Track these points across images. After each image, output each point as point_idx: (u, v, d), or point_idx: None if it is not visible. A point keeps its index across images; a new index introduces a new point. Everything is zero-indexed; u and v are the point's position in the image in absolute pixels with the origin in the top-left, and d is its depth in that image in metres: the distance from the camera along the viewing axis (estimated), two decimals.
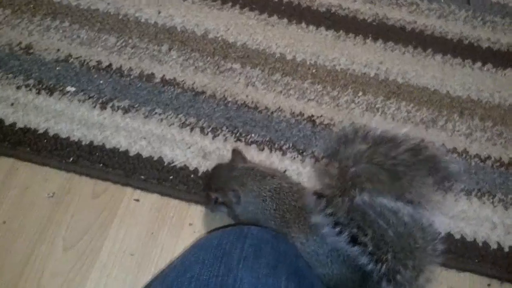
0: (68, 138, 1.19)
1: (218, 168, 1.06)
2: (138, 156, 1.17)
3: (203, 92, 1.28)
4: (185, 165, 1.16)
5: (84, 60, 1.32)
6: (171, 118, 1.23)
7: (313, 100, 1.28)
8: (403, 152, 0.81)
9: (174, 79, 1.30)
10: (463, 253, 1.06)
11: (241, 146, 1.19)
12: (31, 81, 1.28)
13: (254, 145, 1.20)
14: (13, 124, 1.20)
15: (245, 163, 1.05)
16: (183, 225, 1.09)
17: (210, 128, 1.22)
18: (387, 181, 0.79)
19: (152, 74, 1.31)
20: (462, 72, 1.34)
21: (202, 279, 0.69)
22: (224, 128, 1.22)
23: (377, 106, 1.27)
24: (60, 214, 1.09)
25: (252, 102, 1.27)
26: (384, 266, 0.83)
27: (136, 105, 1.25)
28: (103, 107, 1.24)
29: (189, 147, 1.19)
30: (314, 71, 1.33)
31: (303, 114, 1.26)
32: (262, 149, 1.20)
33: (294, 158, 1.19)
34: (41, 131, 1.19)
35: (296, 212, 0.92)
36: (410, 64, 1.35)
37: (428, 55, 1.37)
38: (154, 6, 1.44)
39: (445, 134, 1.24)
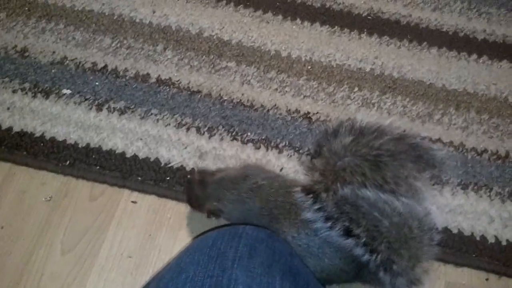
0: (64, 141, 1.19)
1: (189, 189, 1.05)
2: (135, 157, 1.17)
3: (198, 92, 1.28)
4: (181, 165, 1.16)
5: (80, 62, 1.32)
6: (167, 118, 1.23)
7: (309, 96, 1.28)
8: (386, 142, 0.82)
9: (170, 79, 1.30)
10: (460, 248, 1.06)
11: (237, 145, 1.19)
12: (27, 85, 1.28)
13: (250, 144, 1.20)
14: (9, 128, 1.21)
15: (213, 175, 1.04)
16: (180, 226, 1.09)
17: (206, 128, 1.22)
18: (369, 173, 0.80)
19: (148, 74, 1.31)
20: (458, 65, 1.34)
21: (197, 280, 0.69)
22: (220, 127, 1.22)
23: (373, 101, 1.27)
24: (58, 217, 1.09)
25: (248, 100, 1.27)
26: (379, 256, 0.83)
27: (132, 106, 1.25)
28: (99, 109, 1.24)
29: (186, 147, 1.19)
30: (309, 67, 1.33)
31: (299, 111, 1.25)
32: (259, 148, 1.20)
33: (291, 156, 1.19)
34: (37, 135, 1.20)
35: (285, 207, 0.92)
36: (405, 58, 1.35)
37: (424, 48, 1.37)
38: (149, 5, 1.44)
39: (441, 128, 1.23)
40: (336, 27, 1.41)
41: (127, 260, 1.05)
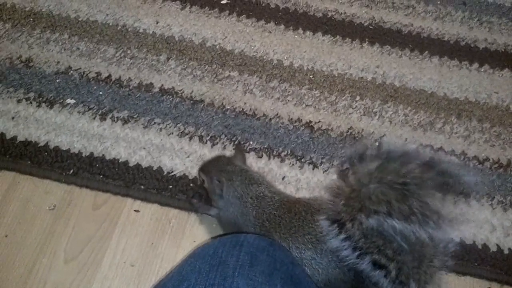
0: (68, 150, 1.20)
1: (218, 157, 1.08)
2: (138, 166, 1.18)
3: (201, 101, 1.29)
4: (184, 174, 1.17)
5: (84, 72, 1.34)
6: (170, 127, 1.24)
7: (311, 105, 1.29)
8: (413, 169, 0.79)
9: (173, 88, 1.31)
10: (462, 257, 1.06)
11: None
12: (31, 94, 1.29)
13: (252, 153, 1.21)
14: (14, 138, 1.22)
15: (243, 163, 1.06)
16: (183, 235, 1.10)
17: (209, 137, 1.23)
18: (395, 203, 0.78)
19: (151, 84, 1.32)
20: (459, 73, 1.35)
21: None
22: (223, 136, 1.23)
23: (374, 110, 1.28)
24: (61, 226, 1.10)
25: (250, 109, 1.28)
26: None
27: (135, 116, 1.26)
28: (103, 118, 1.25)
29: (188, 156, 1.20)
30: (311, 76, 1.34)
31: (301, 120, 1.26)
32: (261, 156, 1.20)
33: (293, 164, 1.19)
34: (42, 144, 1.21)
35: (276, 221, 0.93)
36: (407, 67, 1.36)
37: (425, 57, 1.38)
38: (152, 16, 1.45)
39: (443, 137, 1.24)
40: (338, 36, 1.42)
41: (130, 269, 1.06)
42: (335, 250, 0.85)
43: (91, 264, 1.06)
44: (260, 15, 1.46)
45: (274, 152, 1.21)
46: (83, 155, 1.20)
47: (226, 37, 1.41)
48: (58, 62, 1.36)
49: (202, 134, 1.23)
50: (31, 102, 1.28)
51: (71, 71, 1.34)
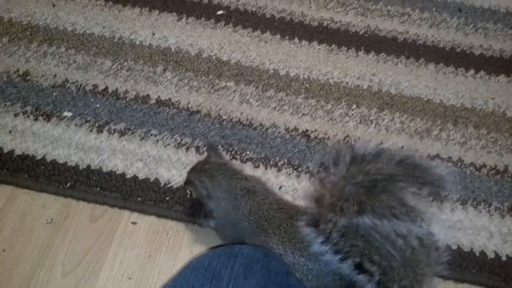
0: (65, 163, 1.20)
1: (195, 164, 1.07)
2: (135, 178, 1.18)
3: (198, 111, 1.29)
4: (181, 185, 1.17)
5: (81, 85, 1.34)
6: (166, 138, 1.24)
7: (307, 114, 1.29)
8: (385, 166, 0.81)
9: (169, 99, 1.32)
10: (460, 264, 1.06)
11: (236, 163, 1.20)
12: (28, 108, 1.30)
13: (249, 162, 1.21)
14: (11, 152, 1.22)
15: (219, 159, 1.06)
16: (180, 246, 1.10)
17: (206, 147, 1.23)
18: (366, 200, 0.79)
19: (148, 95, 1.32)
20: (455, 80, 1.35)
21: None
22: (219, 146, 1.23)
23: (371, 118, 1.28)
24: (59, 239, 1.10)
25: (247, 119, 1.28)
26: None
27: (132, 127, 1.26)
28: (100, 130, 1.26)
29: (185, 167, 1.20)
30: (307, 85, 1.34)
31: (298, 129, 1.26)
32: (258, 166, 1.20)
33: (289, 174, 1.19)
34: (39, 157, 1.21)
35: (276, 224, 0.93)
36: (403, 75, 1.36)
37: (421, 64, 1.38)
38: (148, 28, 1.46)
39: (439, 144, 1.24)
40: (333, 45, 1.42)
41: (128, 281, 1.06)
42: (318, 255, 0.85)
43: (89, 277, 1.06)
44: (256, 25, 1.47)
45: (271, 162, 1.21)
46: (80, 167, 1.20)
47: (222, 47, 1.42)
48: (55, 75, 1.36)
49: (199, 144, 1.24)
50: (28, 116, 1.28)
51: (68, 84, 1.34)
